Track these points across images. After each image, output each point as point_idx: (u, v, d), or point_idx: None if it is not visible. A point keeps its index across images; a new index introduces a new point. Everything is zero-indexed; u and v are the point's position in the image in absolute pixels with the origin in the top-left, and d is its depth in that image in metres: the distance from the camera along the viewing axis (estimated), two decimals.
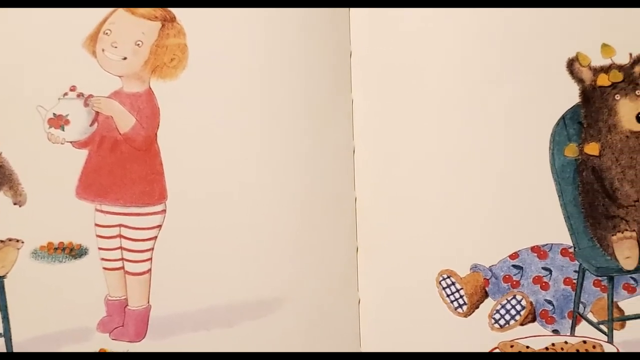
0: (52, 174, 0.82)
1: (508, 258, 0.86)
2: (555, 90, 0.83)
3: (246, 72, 0.82)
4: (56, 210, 0.82)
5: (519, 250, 0.85)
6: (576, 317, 0.85)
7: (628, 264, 0.83)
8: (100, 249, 0.83)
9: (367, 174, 0.85)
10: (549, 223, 0.84)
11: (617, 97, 0.83)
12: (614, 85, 0.83)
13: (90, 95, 0.81)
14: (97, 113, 0.82)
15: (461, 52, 0.83)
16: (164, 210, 0.83)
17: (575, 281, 0.86)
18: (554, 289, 0.86)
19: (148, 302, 0.84)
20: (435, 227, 0.84)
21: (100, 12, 0.81)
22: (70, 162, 0.82)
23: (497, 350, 0.83)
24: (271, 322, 0.83)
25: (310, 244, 0.84)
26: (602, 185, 0.84)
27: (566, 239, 0.84)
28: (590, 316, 0.86)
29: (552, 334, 0.85)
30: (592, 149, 0.84)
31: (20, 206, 0.81)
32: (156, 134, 0.82)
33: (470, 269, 0.86)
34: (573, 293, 0.86)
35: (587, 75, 0.83)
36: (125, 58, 0.82)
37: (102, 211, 0.83)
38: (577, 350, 0.83)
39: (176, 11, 0.82)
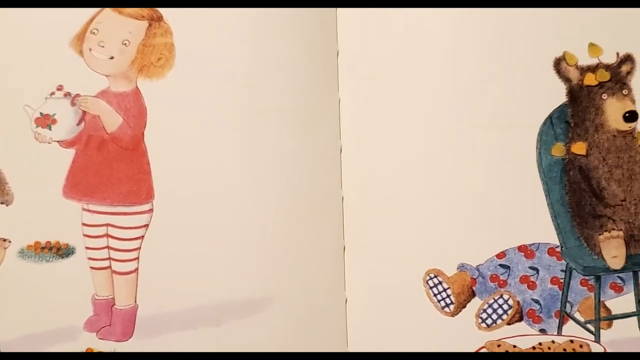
0: (39, 173, 0.82)
1: (495, 257, 0.86)
2: (542, 89, 0.83)
3: (233, 71, 0.83)
4: (43, 209, 0.82)
5: (506, 250, 0.85)
6: (563, 316, 0.85)
7: (615, 264, 0.83)
8: (87, 248, 0.83)
9: (354, 173, 0.85)
10: (536, 222, 0.84)
11: (604, 96, 0.83)
12: (601, 84, 0.83)
13: (78, 95, 0.82)
14: (84, 112, 0.82)
15: (448, 52, 0.83)
16: (151, 210, 0.83)
17: (562, 280, 0.86)
18: (541, 289, 0.86)
19: (135, 301, 0.84)
20: (422, 226, 0.84)
21: (87, 12, 0.81)
22: (58, 161, 0.82)
23: (484, 350, 0.83)
24: (258, 321, 0.83)
25: (297, 244, 0.84)
26: (589, 184, 0.84)
27: (553, 239, 0.84)
28: (577, 315, 0.86)
29: (539, 333, 0.85)
30: (579, 148, 0.84)
31: (7, 205, 0.81)
32: (143, 133, 0.82)
33: (457, 268, 0.85)
34: (560, 292, 0.86)
35: (574, 74, 0.83)
36: (112, 57, 0.82)
37: (89, 210, 0.83)
38: (564, 349, 0.83)
39: (163, 10, 0.82)
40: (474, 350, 0.83)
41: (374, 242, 0.85)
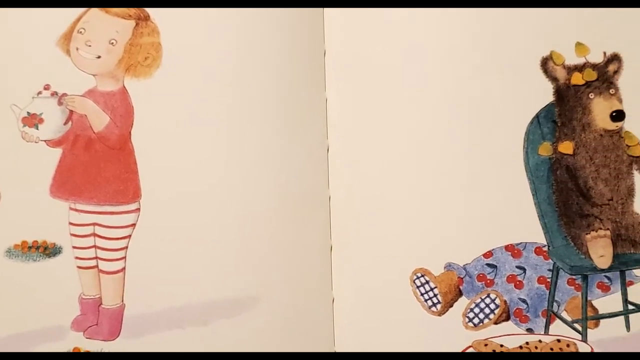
0: (26, 173, 0.82)
1: (482, 257, 0.86)
2: (529, 88, 0.83)
3: (220, 71, 0.83)
4: (30, 208, 0.82)
5: (493, 249, 0.85)
6: (550, 315, 0.85)
7: (602, 263, 0.83)
8: (74, 247, 0.83)
9: (341, 172, 0.85)
10: (523, 222, 0.84)
11: (591, 95, 0.83)
12: (588, 83, 0.83)
13: (64, 94, 0.82)
14: (71, 112, 0.82)
15: (434, 52, 0.83)
16: (138, 209, 0.83)
17: (549, 280, 0.86)
18: (528, 288, 0.86)
19: (122, 300, 0.84)
20: (409, 225, 0.84)
21: (74, 11, 0.81)
22: (45, 160, 0.82)
23: (471, 349, 0.83)
24: (245, 320, 0.83)
25: (284, 243, 0.84)
26: (576, 184, 0.84)
27: (540, 238, 0.84)
28: (564, 315, 0.86)
29: (526, 332, 0.85)
30: (566, 147, 0.84)
31: None
32: (130, 132, 0.82)
33: (445, 267, 0.85)
34: (547, 292, 0.86)
35: (561, 73, 0.83)
36: (99, 57, 0.82)
37: (76, 210, 0.83)
38: (551, 349, 0.83)
39: (150, 10, 0.82)
40: (460, 350, 0.83)
41: (361, 242, 0.85)
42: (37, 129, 0.81)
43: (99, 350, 0.83)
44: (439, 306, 0.86)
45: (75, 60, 0.81)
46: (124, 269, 0.83)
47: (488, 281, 0.87)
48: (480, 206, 0.83)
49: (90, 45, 0.81)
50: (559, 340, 0.83)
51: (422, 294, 0.85)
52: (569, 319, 0.85)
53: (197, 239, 0.83)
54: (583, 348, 0.82)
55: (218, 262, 0.83)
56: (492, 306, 0.85)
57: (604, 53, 0.83)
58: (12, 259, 0.82)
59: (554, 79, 0.83)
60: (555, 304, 0.86)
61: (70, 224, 0.83)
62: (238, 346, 0.83)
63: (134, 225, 0.83)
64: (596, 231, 0.83)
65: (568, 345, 0.83)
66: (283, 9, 0.83)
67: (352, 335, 0.85)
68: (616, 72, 0.83)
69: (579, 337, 0.83)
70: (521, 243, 0.85)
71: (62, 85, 0.81)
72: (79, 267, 0.83)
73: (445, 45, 0.83)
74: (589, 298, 0.85)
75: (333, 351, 0.85)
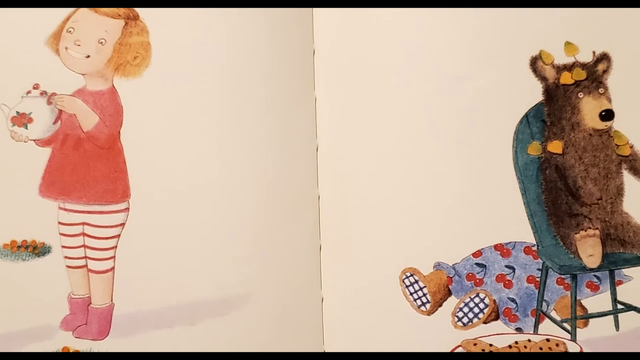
0: (15, 172, 0.82)
1: (471, 256, 0.85)
2: (518, 88, 0.83)
3: (210, 70, 0.83)
4: (19, 208, 0.82)
5: (482, 249, 0.85)
6: (539, 315, 0.85)
7: (591, 262, 0.83)
8: (63, 247, 0.83)
9: (330, 172, 0.85)
10: (512, 221, 0.84)
11: (581, 95, 0.83)
12: (577, 83, 0.83)
13: (54, 93, 0.82)
14: (61, 111, 0.82)
15: (424, 51, 0.83)
16: (127, 209, 0.83)
17: (538, 279, 0.86)
18: (517, 287, 0.86)
19: (111, 300, 0.84)
20: (398, 225, 0.84)
21: (63, 11, 0.81)
22: (34, 160, 0.82)
23: (460, 349, 0.83)
24: (234, 320, 0.83)
25: (274, 242, 0.84)
26: (565, 183, 0.84)
27: (529, 237, 0.84)
28: (553, 314, 0.86)
29: (515, 332, 0.85)
30: (555, 147, 0.84)
31: None
32: (119, 132, 0.82)
33: (434, 267, 0.85)
34: (536, 291, 0.86)
35: (550, 73, 0.83)
36: (88, 56, 0.82)
37: (65, 209, 0.83)
38: (541, 348, 0.83)
39: (139, 9, 0.82)
40: (450, 349, 0.83)
41: (350, 241, 0.85)
42: (27, 128, 0.81)
43: (88, 350, 0.83)
44: (428, 305, 0.86)
45: (64, 59, 0.81)
46: (113, 268, 0.83)
47: (477, 280, 0.87)
48: (470, 205, 0.83)
49: (79, 45, 0.81)
50: (548, 340, 0.83)
51: (411, 294, 0.85)
52: (558, 318, 0.85)
53: (186, 239, 0.83)
54: (572, 347, 0.83)
55: (207, 261, 0.83)
56: (482, 305, 0.85)
57: (593, 52, 0.83)
58: (1, 259, 0.82)
59: (543, 78, 0.83)
60: (544, 303, 0.86)
61: (60, 223, 0.83)
62: (227, 346, 0.83)
63: (123, 224, 0.83)
64: (585, 230, 0.83)
65: (557, 345, 0.83)
66: (272, 8, 0.83)
67: (341, 335, 0.85)
68: (605, 71, 0.83)
69: (568, 336, 0.83)
70: (510, 242, 0.85)
71: (52, 85, 0.81)
72: (68, 267, 0.83)
73: (434, 45, 0.83)
74: (578, 297, 0.85)
75: (322, 351, 0.85)
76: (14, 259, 0.82)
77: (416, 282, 0.85)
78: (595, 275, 0.86)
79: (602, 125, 0.83)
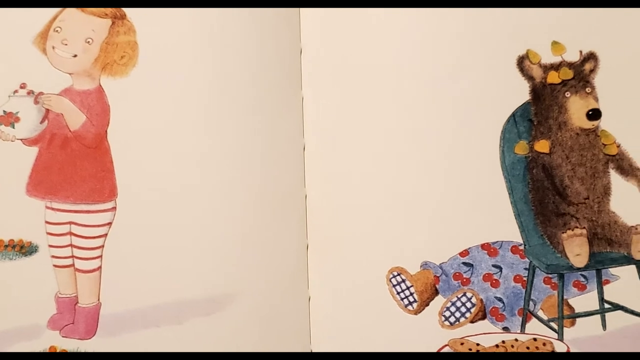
0: (2, 171, 0.82)
1: (458, 255, 0.85)
2: (505, 87, 0.83)
3: (197, 69, 0.83)
4: (6, 207, 0.82)
5: (469, 248, 0.85)
6: (526, 314, 0.85)
7: (578, 262, 0.83)
8: (50, 246, 0.83)
9: (317, 171, 0.85)
10: (499, 220, 0.84)
11: (568, 94, 0.83)
12: (564, 82, 0.83)
13: (41, 93, 0.82)
14: (48, 110, 0.82)
15: (410, 51, 0.83)
16: (114, 208, 0.83)
17: (525, 279, 0.86)
18: (504, 287, 0.86)
19: (98, 299, 0.84)
20: (385, 224, 0.84)
21: (51, 10, 0.81)
22: (21, 159, 0.82)
23: (447, 348, 0.83)
24: (221, 319, 0.83)
25: (261, 242, 0.84)
26: (552, 182, 0.84)
27: (516, 237, 0.84)
28: (540, 314, 0.86)
29: (502, 331, 0.85)
30: (542, 146, 0.84)
31: None
32: (106, 131, 0.82)
33: (421, 266, 0.85)
34: (523, 290, 0.86)
35: (537, 72, 0.83)
36: (75, 55, 0.82)
37: (52, 208, 0.83)
38: (527, 347, 0.82)
39: (127, 8, 0.82)
40: (437, 349, 0.83)
41: (337, 241, 0.85)
42: (14, 127, 0.81)
43: (75, 349, 0.83)
44: (415, 305, 0.86)
45: (51, 59, 0.81)
46: (100, 267, 0.83)
47: (464, 280, 0.87)
48: (457, 205, 0.83)
49: (66, 44, 0.81)
50: (535, 339, 0.83)
51: (398, 293, 0.85)
52: (545, 317, 0.85)
53: (173, 238, 0.83)
54: (559, 347, 0.82)
55: (194, 261, 0.83)
56: (469, 305, 0.85)
57: (580, 52, 0.83)
58: None
59: (530, 77, 0.83)
60: (531, 302, 0.86)
61: (47, 222, 0.83)
62: (214, 345, 0.83)
63: (110, 224, 0.83)
64: (572, 230, 0.83)
65: (544, 344, 0.83)
66: (260, 8, 0.83)
67: (328, 334, 0.85)
68: (592, 70, 0.83)
69: (555, 335, 0.83)
70: (497, 242, 0.85)
71: (39, 84, 0.81)
72: (55, 266, 0.83)
73: (421, 44, 0.83)
74: (565, 297, 0.85)
75: (309, 350, 0.85)
76: (1, 258, 0.82)
77: (403, 281, 0.85)
78: (582, 275, 0.86)
79: (589, 124, 0.83)
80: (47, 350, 0.83)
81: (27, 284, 0.82)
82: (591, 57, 0.83)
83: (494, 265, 0.86)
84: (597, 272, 0.85)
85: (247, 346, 0.84)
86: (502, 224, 0.84)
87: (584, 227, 0.83)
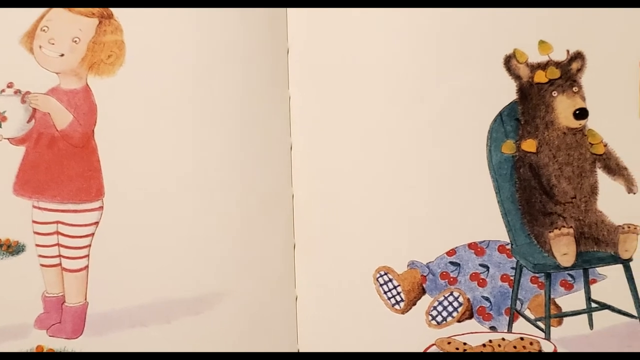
0: None
1: (445, 255, 0.86)
2: (492, 86, 0.83)
3: (184, 69, 0.83)
4: None
5: (456, 247, 0.85)
6: (513, 314, 0.85)
7: (565, 261, 0.83)
8: (37, 245, 0.83)
9: (304, 170, 0.85)
10: (486, 220, 0.84)
11: (555, 93, 0.83)
12: (551, 81, 0.83)
13: (28, 92, 0.81)
14: (35, 110, 0.82)
15: (397, 50, 0.83)
16: (101, 207, 0.83)
17: (512, 278, 0.86)
18: (491, 286, 0.86)
19: (85, 298, 0.84)
20: (372, 223, 0.84)
21: (37, 9, 0.81)
22: (8, 158, 0.82)
23: (434, 347, 0.83)
24: (208, 319, 0.83)
25: (248, 241, 0.84)
26: (539, 182, 0.84)
27: (503, 236, 0.84)
28: (527, 313, 0.86)
29: (489, 330, 0.85)
30: (529, 145, 0.84)
31: None
32: (93, 130, 0.82)
33: (408, 265, 0.85)
34: (510, 290, 0.86)
35: (524, 71, 0.83)
36: (62, 55, 0.82)
37: (39, 208, 0.83)
38: (515, 346, 0.82)
39: (114, 8, 0.82)
40: (424, 348, 0.83)
41: (325, 240, 0.85)
42: (0, 127, 0.81)
43: (62, 349, 0.83)
44: (402, 304, 0.86)
45: (38, 58, 0.81)
46: (87, 267, 0.83)
47: (451, 279, 0.87)
48: (444, 204, 0.83)
49: (53, 44, 0.81)
50: (522, 339, 0.83)
51: (385, 292, 0.85)
52: (532, 317, 0.85)
53: (160, 237, 0.83)
54: (546, 346, 0.82)
55: (181, 260, 0.83)
56: (455, 304, 0.85)
57: (567, 51, 0.83)
58: None
59: (517, 77, 0.83)
60: (518, 302, 0.86)
61: (34, 222, 0.83)
62: (201, 344, 0.83)
63: (97, 223, 0.83)
64: (559, 229, 0.83)
65: (531, 343, 0.83)
66: (247, 8, 0.83)
67: (315, 334, 0.85)
68: (579, 70, 0.83)
69: (542, 335, 0.83)
70: (484, 241, 0.85)
71: (26, 83, 0.81)
72: (42, 265, 0.83)
73: (408, 44, 0.83)
74: (552, 296, 0.85)
75: (296, 350, 0.85)
76: None
77: (390, 280, 0.85)
78: (569, 274, 0.86)
79: (576, 123, 0.83)
80: (34, 350, 0.83)
81: (14, 283, 0.82)
82: (578, 56, 0.83)
83: (481, 265, 0.86)
84: (584, 272, 0.85)
85: (233, 346, 0.84)
86: (489, 223, 0.84)
87: (571, 227, 0.83)
